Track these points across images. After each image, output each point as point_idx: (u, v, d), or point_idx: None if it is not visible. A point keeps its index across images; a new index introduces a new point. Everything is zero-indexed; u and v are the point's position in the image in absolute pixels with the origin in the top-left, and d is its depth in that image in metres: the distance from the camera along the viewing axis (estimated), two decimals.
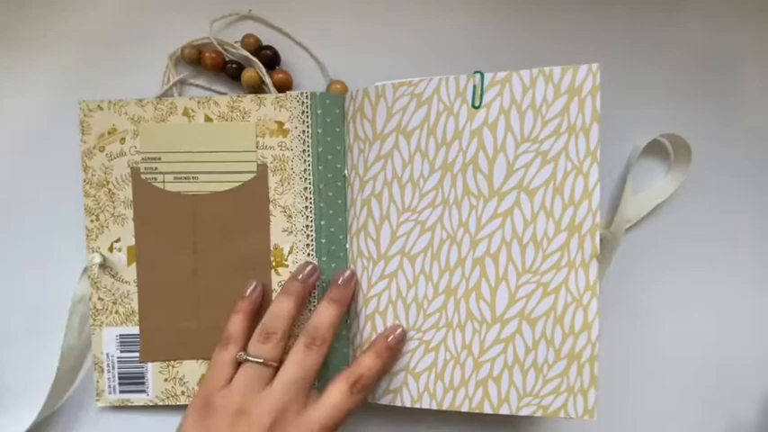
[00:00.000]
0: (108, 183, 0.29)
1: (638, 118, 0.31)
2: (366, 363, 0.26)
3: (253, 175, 0.29)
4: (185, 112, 0.29)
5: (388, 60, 0.32)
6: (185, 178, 0.29)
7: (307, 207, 0.29)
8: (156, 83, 0.31)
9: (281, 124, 0.29)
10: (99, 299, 0.30)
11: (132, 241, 0.29)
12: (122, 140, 0.29)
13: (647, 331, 0.32)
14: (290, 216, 0.29)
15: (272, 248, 0.29)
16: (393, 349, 0.27)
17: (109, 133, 0.29)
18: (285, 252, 0.29)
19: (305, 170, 0.29)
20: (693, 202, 0.31)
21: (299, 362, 0.26)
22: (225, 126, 0.29)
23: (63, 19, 0.31)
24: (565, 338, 0.27)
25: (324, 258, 0.29)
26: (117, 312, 0.30)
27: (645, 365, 0.32)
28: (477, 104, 0.26)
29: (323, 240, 0.29)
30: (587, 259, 0.26)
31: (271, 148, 0.29)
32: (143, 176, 0.29)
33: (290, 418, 0.25)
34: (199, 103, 0.29)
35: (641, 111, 0.31)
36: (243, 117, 0.29)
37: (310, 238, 0.29)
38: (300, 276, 0.28)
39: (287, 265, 0.29)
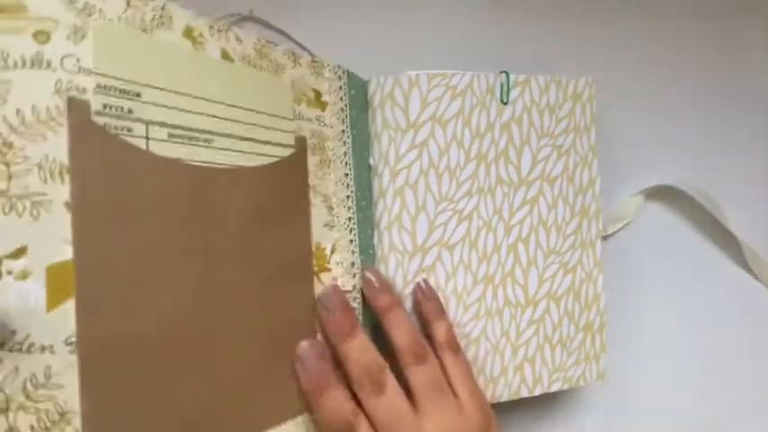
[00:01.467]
0: None
1: (632, 126, 0.34)
2: None
3: (290, 151, 0.22)
4: (188, 33, 0.18)
5: (390, 60, 0.31)
6: (191, 139, 0.18)
7: (348, 196, 0.25)
8: None
9: (318, 95, 0.24)
10: None
11: (61, 254, 0.14)
12: (42, 37, 0.15)
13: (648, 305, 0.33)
14: (330, 207, 0.24)
15: (313, 248, 0.23)
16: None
17: (3, 10, 0.14)
18: (327, 252, 0.23)
19: (344, 153, 0.25)
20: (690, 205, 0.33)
21: None
22: (254, 75, 0.20)
23: None
24: (581, 311, 0.30)
25: (362, 257, 0.26)
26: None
27: (647, 347, 0.34)
28: (505, 101, 0.29)
29: (361, 236, 0.26)
30: (594, 239, 0.30)
31: (309, 120, 0.23)
32: (99, 121, 0.16)
33: None
34: (212, 29, 0.19)
35: (634, 119, 0.34)
36: (275, 71, 0.21)
37: (353, 233, 0.25)
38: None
39: (330, 269, 0.23)
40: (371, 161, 0.28)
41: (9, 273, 0.14)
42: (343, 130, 0.25)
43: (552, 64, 0.33)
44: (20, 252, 0.14)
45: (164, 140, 0.18)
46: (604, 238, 0.34)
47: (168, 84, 0.18)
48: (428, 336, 0.25)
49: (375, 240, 0.27)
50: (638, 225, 0.35)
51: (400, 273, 0.27)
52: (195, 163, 0.18)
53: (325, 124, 0.24)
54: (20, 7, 0.15)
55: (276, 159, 0.21)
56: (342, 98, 0.25)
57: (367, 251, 0.27)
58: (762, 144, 0.36)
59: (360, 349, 0.21)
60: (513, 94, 0.29)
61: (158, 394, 0.16)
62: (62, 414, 0.14)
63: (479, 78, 0.28)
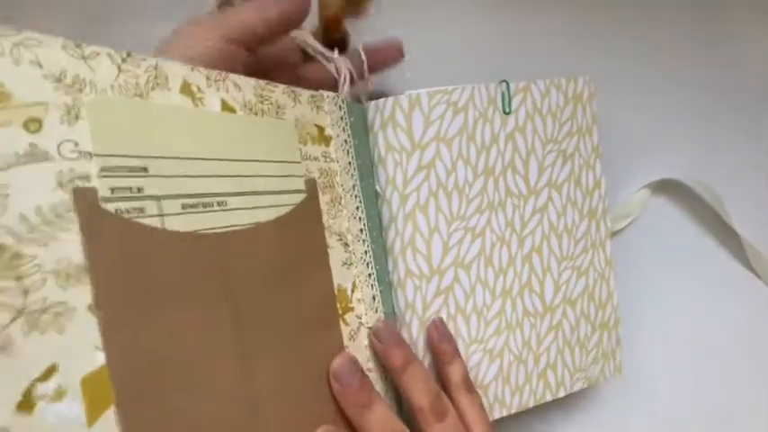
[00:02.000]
0: None
1: (635, 121, 0.34)
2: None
3: (302, 196, 0.21)
4: (186, 89, 0.17)
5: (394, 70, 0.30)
6: (205, 206, 0.17)
7: (361, 230, 0.25)
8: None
9: (321, 129, 0.23)
10: None
11: (93, 362, 0.13)
12: (35, 125, 0.13)
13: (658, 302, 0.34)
14: (346, 244, 0.24)
15: (335, 290, 0.22)
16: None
17: None
18: (349, 291, 0.23)
19: (353, 186, 0.25)
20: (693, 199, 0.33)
21: None
22: (258, 123, 0.19)
23: None
24: (597, 311, 0.30)
25: (381, 287, 0.26)
26: None
27: (654, 343, 0.34)
28: (507, 110, 0.28)
29: (378, 267, 0.26)
30: (603, 239, 0.30)
31: (315, 159, 0.22)
32: (109, 207, 0.14)
33: None
34: (209, 79, 0.18)
35: (638, 114, 0.33)
36: (277, 113, 0.20)
37: (371, 266, 0.25)
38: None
39: (353, 308, 0.23)
40: (378, 187, 0.27)
41: (43, 397, 0.13)
42: (349, 162, 0.24)
43: (549, 64, 0.32)
44: (50, 371, 0.13)
45: (179, 214, 0.16)
46: (613, 234, 0.35)
47: (174, 151, 0.16)
48: (442, 376, 0.25)
49: (390, 267, 0.27)
50: (642, 220, 0.35)
51: (419, 297, 0.27)
52: (213, 231, 0.17)
53: (332, 159, 0.23)
54: (3, 96, 0.13)
55: (290, 207, 0.20)
56: (344, 129, 0.24)
57: (383, 280, 0.26)
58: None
59: (380, 421, 0.21)
60: (515, 102, 0.28)
61: None
62: None
63: (480, 90, 0.27)
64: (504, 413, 0.28)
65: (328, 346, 0.21)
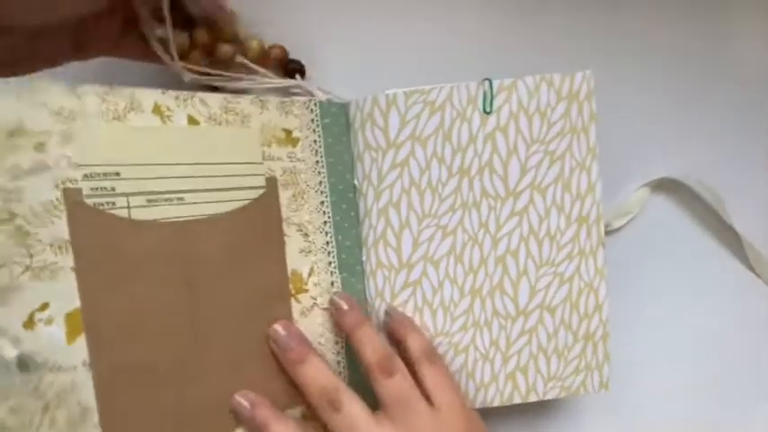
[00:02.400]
0: (14, 218, 0.19)
1: (635, 119, 0.33)
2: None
3: (261, 191, 0.25)
4: (156, 110, 0.22)
5: (388, 67, 0.31)
6: (165, 200, 0.22)
7: (325, 222, 0.27)
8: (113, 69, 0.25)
9: (288, 133, 0.26)
10: (11, 411, 0.18)
11: (73, 304, 0.20)
12: (40, 147, 0.19)
13: (653, 312, 0.34)
14: (306, 234, 0.27)
15: (289, 274, 0.26)
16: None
17: (11, 135, 0.19)
18: (305, 275, 0.26)
19: (320, 182, 0.27)
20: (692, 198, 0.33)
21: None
22: (220, 132, 0.23)
23: None
24: (581, 321, 0.29)
25: (345, 275, 0.28)
26: (53, 422, 0.19)
27: (651, 344, 0.34)
28: (488, 110, 0.28)
29: (343, 256, 0.28)
30: (595, 247, 0.29)
31: (279, 159, 0.25)
32: (89, 202, 0.20)
33: None
34: (177, 99, 0.22)
35: (638, 112, 0.33)
36: (242, 122, 0.24)
37: (332, 255, 0.27)
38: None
39: (307, 290, 0.26)
40: (356, 182, 0.29)
41: (39, 321, 0.19)
42: (317, 161, 0.27)
43: (545, 62, 0.31)
44: (44, 306, 0.20)
45: (143, 206, 0.22)
46: (609, 233, 0.33)
47: (141, 159, 0.21)
48: (402, 353, 0.27)
49: (363, 257, 0.29)
50: (640, 218, 0.34)
51: (388, 287, 0.29)
52: (171, 220, 0.22)
53: (298, 159, 0.26)
54: (20, 129, 0.19)
55: (248, 201, 0.24)
56: (314, 130, 0.27)
57: (354, 268, 0.29)
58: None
59: (314, 374, 0.23)
60: (498, 101, 0.28)
61: (153, 398, 0.21)
62: (84, 409, 0.20)
63: (459, 90, 0.28)
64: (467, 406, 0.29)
65: (277, 317, 0.25)
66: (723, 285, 0.34)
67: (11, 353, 0.18)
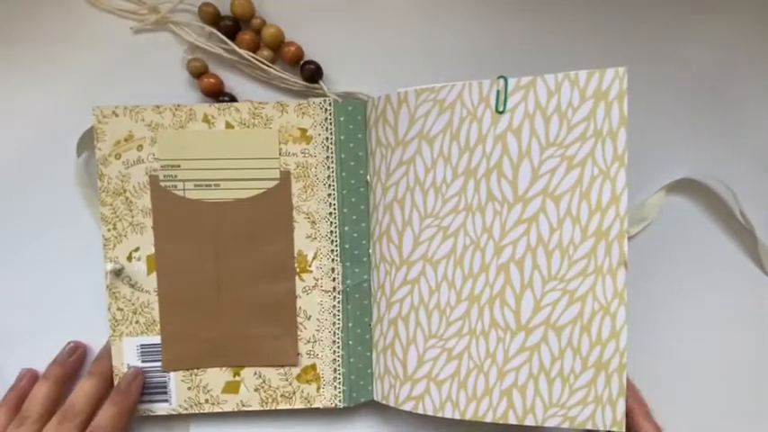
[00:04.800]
0: (125, 191, 0.29)
1: (662, 123, 0.31)
2: (102, 414, 0.27)
3: (276, 182, 0.29)
4: (205, 119, 0.29)
5: (406, 66, 0.32)
6: (206, 186, 0.29)
7: (331, 213, 0.29)
8: (172, 89, 0.31)
9: (303, 131, 0.29)
10: (118, 309, 0.29)
11: (152, 250, 0.29)
12: (140, 147, 0.29)
13: (669, 337, 0.32)
14: (313, 222, 0.29)
15: (295, 254, 0.29)
16: (125, 392, 0.28)
17: (125, 140, 0.29)
18: (309, 258, 0.29)
19: (329, 176, 0.29)
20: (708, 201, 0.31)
21: None
22: (247, 133, 0.29)
23: (78, 22, 0.31)
24: (592, 347, 0.26)
25: (348, 264, 0.29)
26: (137, 322, 0.29)
27: (669, 372, 0.32)
28: (501, 109, 0.26)
29: (346, 246, 0.29)
30: (615, 266, 0.25)
31: (294, 154, 0.29)
32: (162, 184, 0.29)
33: None
34: (219, 109, 0.29)
35: (665, 116, 0.31)
36: (265, 124, 0.29)
37: (335, 243, 0.29)
38: (59, 359, 0.30)
39: (311, 271, 0.30)
40: (368, 177, 0.30)
41: (133, 258, 0.29)
42: (327, 157, 0.29)
43: (569, 60, 0.28)
44: (136, 249, 0.29)
45: (192, 189, 0.29)
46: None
47: (194, 155, 0.29)
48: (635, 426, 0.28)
49: (370, 249, 0.30)
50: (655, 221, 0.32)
51: (388, 282, 0.30)
52: (210, 200, 0.29)
53: (310, 154, 0.29)
54: (130, 136, 0.29)
55: (264, 190, 0.29)
56: (327, 128, 0.29)
57: (360, 259, 0.30)
58: None
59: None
60: (513, 100, 0.26)
61: (191, 324, 0.30)
62: (153, 321, 0.30)
63: (472, 88, 0.27)
64: (458, 416, 0.28)
65: (282, 287, 0.30)
66: (739, 290, 0.32)
67: (109, 267, 0.29)
